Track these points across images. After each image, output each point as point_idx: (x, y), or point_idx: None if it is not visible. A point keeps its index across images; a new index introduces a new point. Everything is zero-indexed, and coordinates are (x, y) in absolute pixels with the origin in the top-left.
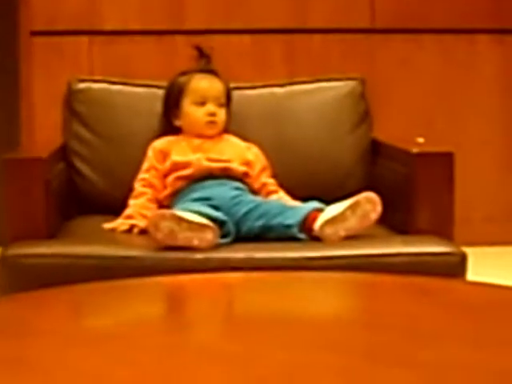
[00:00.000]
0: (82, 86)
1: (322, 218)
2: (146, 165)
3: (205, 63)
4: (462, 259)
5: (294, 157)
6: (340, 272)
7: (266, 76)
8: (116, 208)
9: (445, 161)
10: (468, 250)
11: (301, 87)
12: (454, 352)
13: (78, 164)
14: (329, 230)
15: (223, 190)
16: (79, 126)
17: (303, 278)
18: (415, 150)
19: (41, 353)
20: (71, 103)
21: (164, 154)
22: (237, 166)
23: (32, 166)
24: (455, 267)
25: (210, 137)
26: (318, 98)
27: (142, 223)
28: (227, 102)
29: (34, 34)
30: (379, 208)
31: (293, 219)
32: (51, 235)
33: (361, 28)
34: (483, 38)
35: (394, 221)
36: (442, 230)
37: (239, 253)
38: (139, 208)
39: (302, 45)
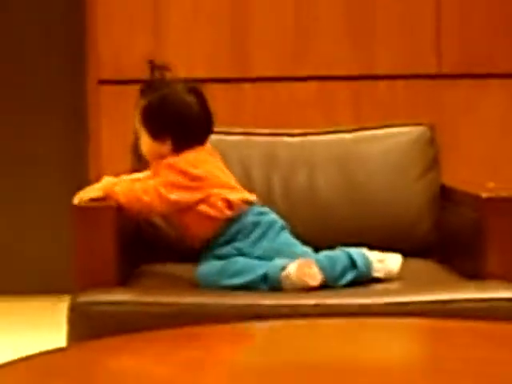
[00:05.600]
0: None
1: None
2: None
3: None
4: None
5: (362, 203)
6: (412, 318)
7: (333, 122)
8: (185, 255)
9: None
10: None
11: (369, 133)
12: None
13: None
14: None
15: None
16: None
17: (374, 324)
18: (485, 194)
19: None
20: None
21: None
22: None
23: (102, 214)
24: None
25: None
26: (386, 143)
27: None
28: (147, 121)
29: (102, 82)
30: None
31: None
32: (121, 283)
33: (427, 74)
34: None
35: (464, 266)
36: None
37: (309, 299)
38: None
39: (369, 91)
